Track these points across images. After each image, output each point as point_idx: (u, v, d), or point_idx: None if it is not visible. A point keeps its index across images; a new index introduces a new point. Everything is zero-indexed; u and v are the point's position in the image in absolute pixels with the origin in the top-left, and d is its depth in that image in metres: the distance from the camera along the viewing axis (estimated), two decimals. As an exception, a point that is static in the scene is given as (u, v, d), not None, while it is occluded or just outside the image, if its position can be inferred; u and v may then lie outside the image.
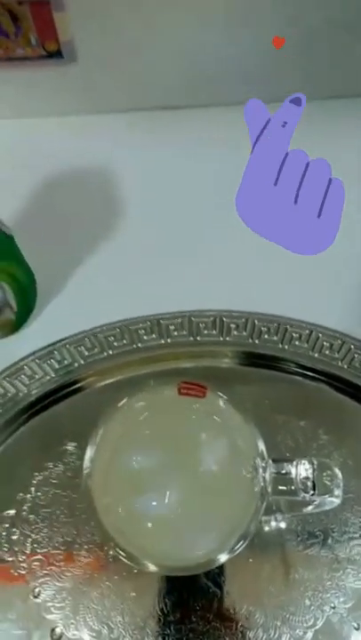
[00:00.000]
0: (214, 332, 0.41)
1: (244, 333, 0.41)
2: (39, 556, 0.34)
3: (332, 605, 0.32)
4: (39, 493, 0.35)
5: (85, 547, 0.34)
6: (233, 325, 0.41)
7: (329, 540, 0.34)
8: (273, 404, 0.38)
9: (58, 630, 0.32)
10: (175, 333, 0.41)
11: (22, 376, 0.39)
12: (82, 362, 0.40)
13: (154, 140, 0.52)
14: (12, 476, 0.36)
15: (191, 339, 0.41)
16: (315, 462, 0.30)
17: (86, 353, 0.40)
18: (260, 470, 0.30)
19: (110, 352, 0.40)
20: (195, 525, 0.30)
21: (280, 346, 0.41)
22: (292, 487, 0.30)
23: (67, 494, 0.35)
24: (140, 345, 0.41)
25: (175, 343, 0.41)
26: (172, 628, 0.32)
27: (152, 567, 0.30)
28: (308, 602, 0.32)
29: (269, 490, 0.30)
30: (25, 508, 0.35)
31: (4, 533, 0.34)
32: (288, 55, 0.48)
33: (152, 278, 0.44)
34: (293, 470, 0.30)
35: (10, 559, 0.34)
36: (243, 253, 0.44)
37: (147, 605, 0.32)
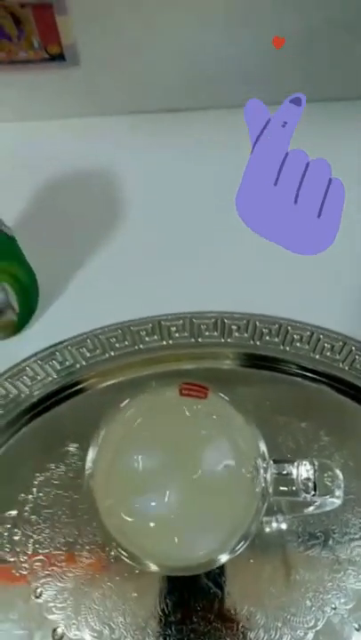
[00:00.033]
0: (215, 333, 0.41)
1: (246, 335, 0.41)
2: (41, 557, 0.34)
3: (333, 606, 0.32)
4: (41, 494, 0.35)
5: (87, 547, 0.34)
6: (234, 327, 0.41)
7: (330, 542, 0.34)
8: (274, 406, 0.38)
9: (59, 630, 0.32)
10: (177, 335, 0.41)
11: (24, 377, 0.40)
12: (84, 363, 0.40)
13: (155, 142, 0.52)
14: (14, 477, 0.36)
15: (192, 340, 0.41)
16: (316, 463, 0.30)
17: (88, 354, 0.41)
18: (262, 471, 0.30)
19: (112, 353, 0.41)
20: (196, 525, 0.30)
21: (281, 347, 0.41)
22: (293, 488, 0.30)
23: (68, 495, 0.35)
24: (141, 346, 0.41)
25: (176, 344, 0.41)
26: (173, 629, 0.32)
27: (153, 567, 0.30)
28: (309, 603, 0.32)
29: (270, 490, 0.30)
30: (27, 508, 0.35)
31: (5, 534, 0.34)
32: (288, 55, 0.48)
33: (153, 280, 0.44)
34: (294, 471, 0.30)
35: (12, 560, 0.34)
36: (244, 255, 0.44)
37: (148, 606, 0.32)
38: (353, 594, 0.33)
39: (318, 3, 0.45)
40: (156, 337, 0.41)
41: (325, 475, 0.30)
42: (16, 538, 0.34)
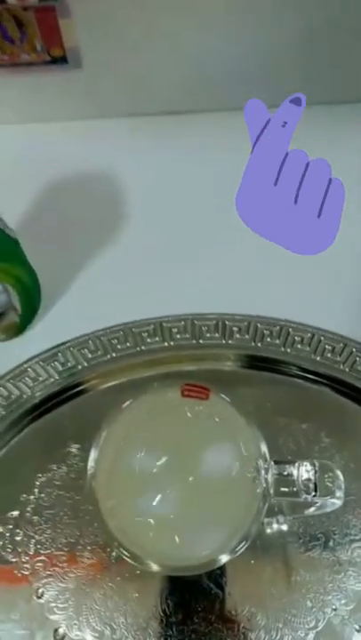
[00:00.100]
0: (217, 334, 0.41)
1: (247, 336, 0.41)
2: (42, 557, 0.34)
3: (334, 607, 0.32)
4: (43, 495, 0.36)
5: (88, 548, 0.34)
6: (235, 328, 0.42)
7: (330, 543, 0.34)
8: (275, 407, 0.38)
9: (61, 631, 0.32)
10: (178, 336, 0.41)
11: (26, 378, 0.40)
12: (85, 364, 0.40)
13: (156, 144, 0.52)
14: (16, 478, 0.36)
15: (194, 342, 0.41)
16: (316, 464, 0.30)
17: (90, 355, 0.41)
18: (263, 472, 0.30)
19: (114, 355, 0.41)
20: (197, 526, 0.30)
21: (282, 349, 0.41)
22: (294, 489, 0.30)
23: (70, 496, 0.35)
24: (143, 348, 0.41)
25: (178, 346, 0.41)
26: (174, 629, 0.32)
27: (155, 567, 0.30)
28: (309, 604, 0.32)
29: (271, 491, 0.30)
30: (28, 509, 0.35)
31: (7, 534, 0.35)
32: (288, 56, 0.49)
33: (155, 281, 0.44)
34: (295, 472, 0.30)
35: (13, 560, 0.34)
36: (245, 257, 0.44)
37: (149, 606, 0.32)
38: (353, 595, 0.33)
39: (318, 3, 0.46)
40: (157, 338, 0.41)
41: (326, 476, 0.30)
42: (18, 538, 0.34)
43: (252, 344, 0.41)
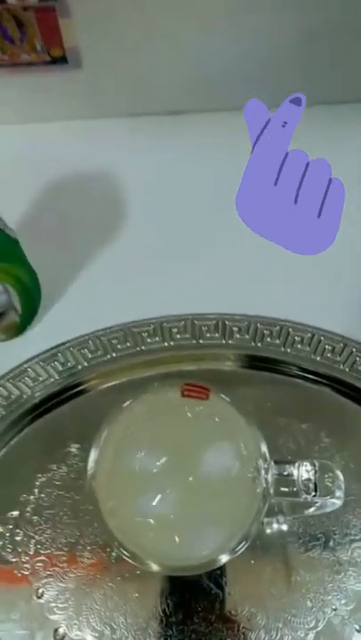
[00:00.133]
0: (217, 335, 0.41)
1: (247, 336, 0.41)
2: (42, 557, 0.34)
3: (334, 607, 0.32)
4: (42, 495, 0.36)
5: (88, 548, 0.34)
6: (235, 328, 0.42)
7: (330, 543, 0.34)
8: (275, 407, 0.38)
9: (61, 631, 0.32)
10: (178, 336, 0.41)
11: (26, 378, 0.40)
12: (85, 364, 0.40)
13: (156, 144, 0.52)
14: (16, 478, 0.36)
15: (194, 342, 0.41)
16: (316, 464, 0.30)
17: (90, 355, 0.41)
18: (263, 472, 0.30)
19: (114, 355, 0.41)
20: (197, 526, 0.30)
21: (282, 349, 0.41)
22: (294, 489, 0.30)
23: (70, 496, 0.36)
24: (143, 348, 0.41)
25: (178, 346, 0.41)
26: (174, 629, 0.32)
27: (155, 567, 0.30)
28: (309, 604, 0.32)
29: (271, 491, 0.30)
30: (28, 509, 0.35)
31: (7, 534, 0.35)
32: (288, 56, 0.49)
33: (155, 281, 0.44)
34: (295, 472, 0.30)
35: (13, 560, 0.34)
36: (245, 257, 0.44)
37: (149, 606, 0.32)
38: (353, 595, 0.33)
39: (318, 3, 0.45)
40: (157, 338, 0.41)
41: (326, 476, 0.30)
42: (18, 538, 0.34)
43: (252, 344, 0.41)
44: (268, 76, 0.49)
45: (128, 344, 0.41)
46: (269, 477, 0.30)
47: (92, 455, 0.32)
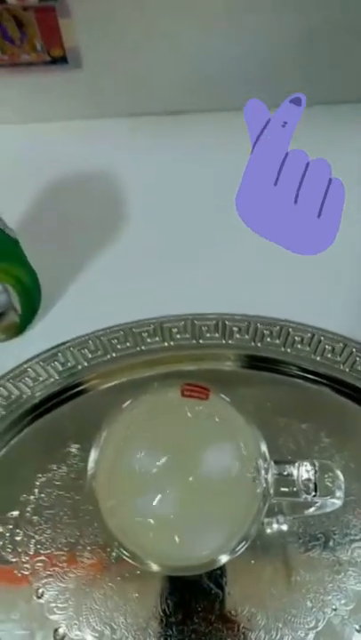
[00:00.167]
0: (217, 335, 0.41)
1: (247, 336, 0.41)
2: (42, 557, 0.34)
3: (334, 607, 0.32)
4: (43, 495, 0.36)
5: (88, 548, 0.34)
6: (235, 328, 0.42)
7: (330, 543, 0.34)
8: (275, 407, 0.38)
9: (61, 631, 0.32)
10: (178, 336, 0.41)
11: (26, 378, 0.40)
12: (85, 364, 0.40)
13: (157, 144, 0.52)
14: (16, 478, 0.36)
15: (194, 342, 0.41)
16: (316, 464, 0.30)
17: (90, 355, 0.41)
18: (263, 472, 0.30)
19: (114, 355, 0.41)
20: (197, 526, 0.30)
21: (282, 349, 0.41)
22: (294, 489, 0.30)
23: (70, 496, 0.36)
24: (143, 348, 0.41)
25: (178, 346, 0.41)
26: (174, 629, 0.32)
27: (155, 567, 0.30)
28: (309, 604, 0.32)
29: (271, 491, 0.30)
30: (28, 509, 0.35)
31: (7, 534, 0.35)
32: (288, 56, 0.49)
33: (155, 281, 0.44)
34: (295, 472, 0.30)
35: (13, 560, 0.34)
36: (245, 257, 0.44)
37: (149, 606, 0.32)
38: (353, 595, 0.33)
39: (318, 3, 0.46)
40: (157, 338, 0.41)
41: (326, 476, 0.30)
42: (18, 538, 0.34)
43: (252, 344, 0.41)
44: (268, 76, 0.49)
45: (128, 344, 0.41)
46: (269, 477, 0.30)
47: (92, 455, 0.32)
